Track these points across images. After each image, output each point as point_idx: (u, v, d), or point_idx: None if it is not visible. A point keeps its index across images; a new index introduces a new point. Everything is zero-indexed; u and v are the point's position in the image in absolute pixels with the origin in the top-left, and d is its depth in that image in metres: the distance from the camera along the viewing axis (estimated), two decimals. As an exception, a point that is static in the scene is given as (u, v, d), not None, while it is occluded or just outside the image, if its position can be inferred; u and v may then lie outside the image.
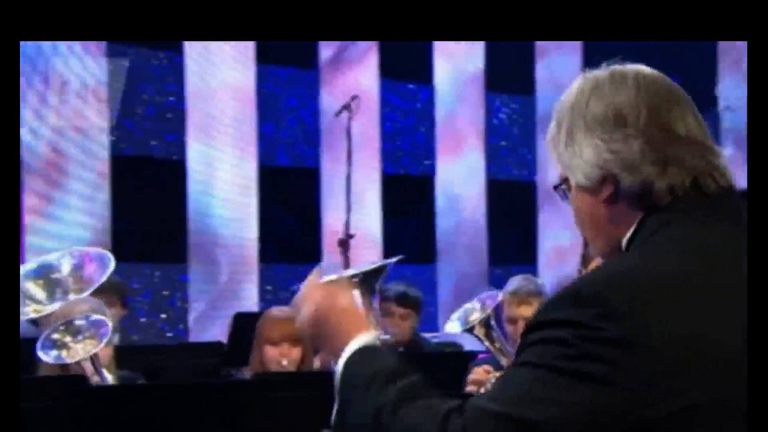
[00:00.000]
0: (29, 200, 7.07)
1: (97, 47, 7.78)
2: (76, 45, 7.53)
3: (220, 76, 8.68)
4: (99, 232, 7.80)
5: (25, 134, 6.80)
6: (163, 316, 8.35)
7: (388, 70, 9.55)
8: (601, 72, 1.75)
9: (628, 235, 1.71)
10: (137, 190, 8.11)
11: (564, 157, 1.74)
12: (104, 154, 7.92)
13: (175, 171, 8.33)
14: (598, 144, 1.69)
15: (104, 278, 4.30)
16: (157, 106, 8.31)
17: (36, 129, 7.23)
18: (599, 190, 1.70)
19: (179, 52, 8.32)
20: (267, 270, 8.84)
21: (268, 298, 8.68)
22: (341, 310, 1.78)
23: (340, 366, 1.72)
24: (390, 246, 9.24)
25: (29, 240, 6.77)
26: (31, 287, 3.86)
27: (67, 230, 7.55)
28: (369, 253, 8.66)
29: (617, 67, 1.75)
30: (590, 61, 1.79)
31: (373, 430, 1.62)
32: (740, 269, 1.62)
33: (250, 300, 8.65)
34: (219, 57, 8.65)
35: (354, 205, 7.63)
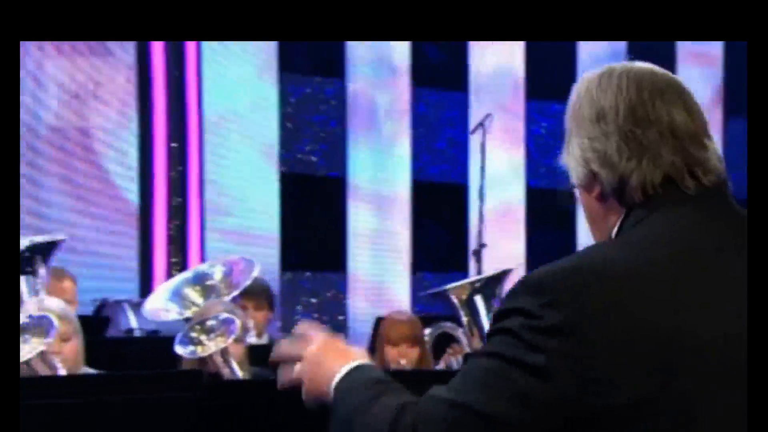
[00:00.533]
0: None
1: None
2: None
3: (380, 100, 9.40)
4: (270, 241, 8.77)
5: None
6: (325, 317, 9.06)
7: (533, 91, 10.05)
8: (594, 72, 1.78)
9: (615, 230, 1.74)
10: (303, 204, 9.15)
11: (566, 159, 1.78)
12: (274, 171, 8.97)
13: (338, 186, 9.34)
14: (584, 143, 1.73)
15: (248, 282, 4.87)
16: (322, 128, 9.30)
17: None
18: (591, 188, 1.75)
19: (341, 79, 9.30)
20: (417, 278, 9.63)
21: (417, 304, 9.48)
22: (326, 354, 1.80)
23: (332, 395, 1.75)
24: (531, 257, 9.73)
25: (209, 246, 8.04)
26: (189, 292, 4.46)
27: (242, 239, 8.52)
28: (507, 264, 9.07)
29: (609, 66, 1.77)
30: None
31: (345, 430, 1.68)
32: (709, 263, 1.63)
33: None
34: (377, 80, 9.36)
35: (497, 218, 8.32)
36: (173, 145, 8.31)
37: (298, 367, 1.81)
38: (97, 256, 7.76)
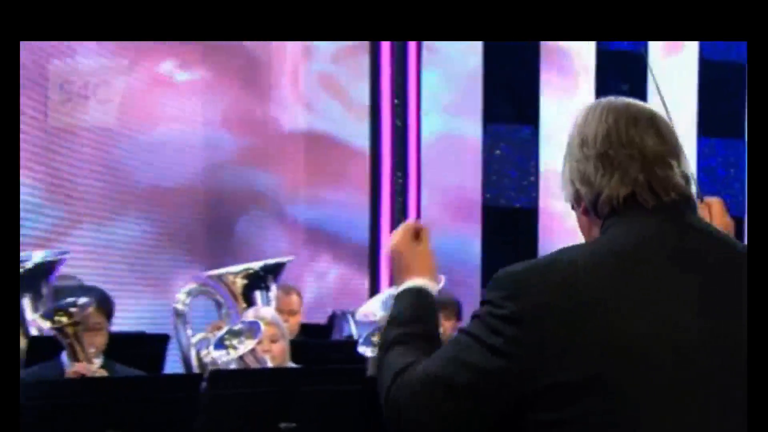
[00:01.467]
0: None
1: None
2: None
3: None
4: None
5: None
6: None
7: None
8: (585, 107, 2.06)
9: None
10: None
11: (561, 181, 2.06)
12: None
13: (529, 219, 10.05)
14: (572, 165, 2.01)
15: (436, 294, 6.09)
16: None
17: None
18: (578, 204, 2.03)
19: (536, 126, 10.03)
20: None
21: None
22: (410, 255, 2.19)
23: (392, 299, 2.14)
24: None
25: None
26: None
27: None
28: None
29: (596, 101, 2.06)
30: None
31: (379, 359, 2.04)
32: (650, 264, 1.89)
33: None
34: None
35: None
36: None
37: (393, 250, 2.23)
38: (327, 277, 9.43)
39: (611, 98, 2.05)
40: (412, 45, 9.62)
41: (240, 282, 4.97)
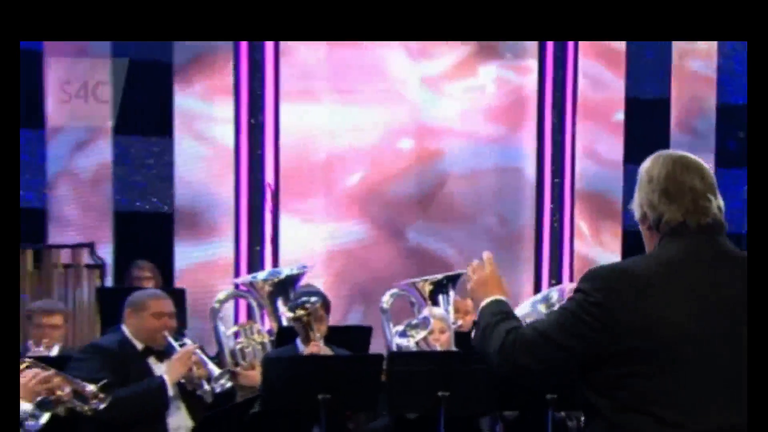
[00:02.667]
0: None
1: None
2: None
3: None
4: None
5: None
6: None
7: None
8: (653, 156, 2.95)
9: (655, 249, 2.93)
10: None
11: (633, 207, 2.95)
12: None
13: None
14: (642, 196, 2.92)
15: None
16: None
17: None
18: (644, 223, 2.93)
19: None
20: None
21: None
22: (487, 282, 3.14)
23: (479, 309, 3.09)
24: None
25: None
26: (541, 308, 6.19)
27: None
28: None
29: (660, 152, 2.97)
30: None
31: (482, 338, 2.98)
32: (691, 271, 2.80)
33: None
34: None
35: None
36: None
37: (473, 279, 3.16)
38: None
39: (671, 150, 2.99)
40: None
41: (428, 288, 6.53)
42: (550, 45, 9.95)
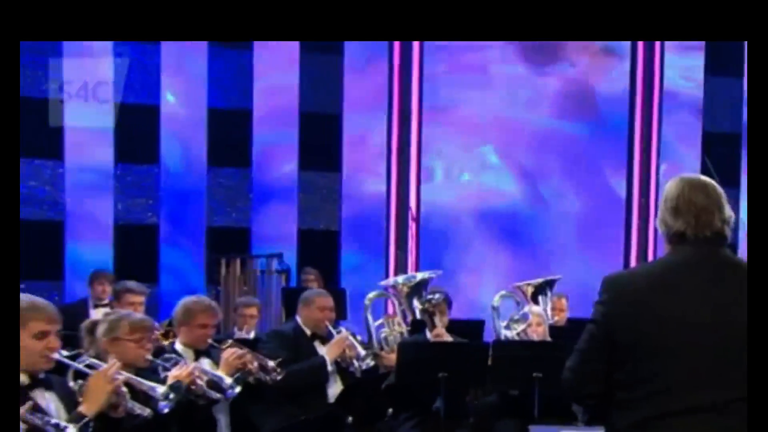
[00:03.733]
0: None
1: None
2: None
3: None
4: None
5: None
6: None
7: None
8: (675, 178, 3.36)
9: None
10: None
11: (657, 223, 3.39)
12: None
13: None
14: (660, 213, 3.33)
15: None
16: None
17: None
18: (664, 236, 3.35)
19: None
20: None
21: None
22: None
23: None
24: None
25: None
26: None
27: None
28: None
29: (677, 176, 3.36)
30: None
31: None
32: (688, 275, 3.22)
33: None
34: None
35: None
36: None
37: None
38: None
39: (690, 174, 3.41)
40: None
41: (530, 289, 8.00)
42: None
